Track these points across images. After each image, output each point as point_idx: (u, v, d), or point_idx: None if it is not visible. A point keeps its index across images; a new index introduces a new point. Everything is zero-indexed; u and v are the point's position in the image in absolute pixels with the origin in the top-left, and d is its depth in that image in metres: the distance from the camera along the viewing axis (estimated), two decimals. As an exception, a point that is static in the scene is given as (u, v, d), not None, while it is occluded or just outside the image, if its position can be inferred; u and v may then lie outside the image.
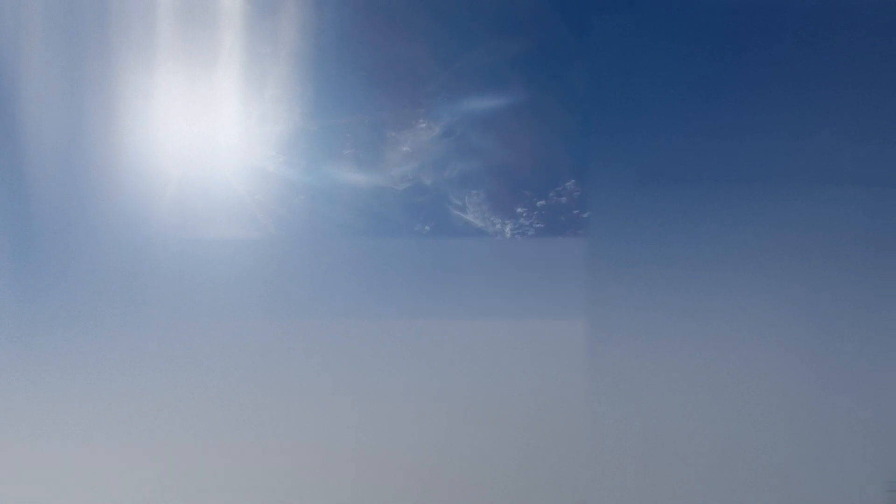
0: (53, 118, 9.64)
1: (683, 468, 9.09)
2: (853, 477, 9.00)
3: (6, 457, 8.81)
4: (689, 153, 9.90)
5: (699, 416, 9.20)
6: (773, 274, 9.51)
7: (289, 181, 10.14)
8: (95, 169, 9.58)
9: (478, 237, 10.55)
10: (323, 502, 8.82)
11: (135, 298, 9.38)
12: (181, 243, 9.57)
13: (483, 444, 9.18)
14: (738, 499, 9.00)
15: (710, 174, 9.89)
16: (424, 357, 9.57)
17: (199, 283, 9.48)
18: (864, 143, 9.50)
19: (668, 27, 9.84)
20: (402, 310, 9.81)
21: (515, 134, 10.40)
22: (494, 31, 10.11)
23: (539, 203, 10.74)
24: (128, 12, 9.66)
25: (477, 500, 8.91)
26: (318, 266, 9.91)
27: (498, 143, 10.38)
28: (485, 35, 10.12)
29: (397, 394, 9.32)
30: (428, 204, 10.36)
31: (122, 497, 8.69)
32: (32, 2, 9.54)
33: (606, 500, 8.93)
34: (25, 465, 8.83)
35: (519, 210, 10.76)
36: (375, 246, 10.11)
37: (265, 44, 9.91)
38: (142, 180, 9.70)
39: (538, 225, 10.78)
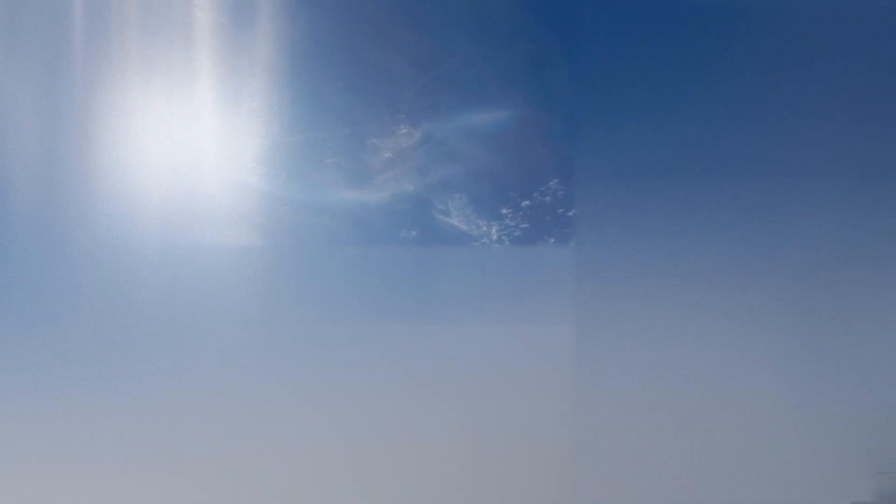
0: (41, 136, 9.66)
1: (674, 465, 9.09)
2: (846, 460, 9.03)
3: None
4: (672, 149, 9.94)
5: (691, 415, 9.20)
6: (764, 263, 9.56)
7: (272, 193, 10.16)
8: (84, 184, 9.61)
9: (463, 241, 10.55)
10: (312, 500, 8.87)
11: (120, 308, 9.40)
12: (166, 255, 9.58)
13: (469, 446, 9.17)
14: (736, 487, 9.01)
15: (693, 169, 9.93)
16: (411, 362, 9.57)
17: (184, 294, 9.49)
18: (854, 136, 9.58)
19: (649, 27, 9.89)
20: (388, 316, 9.81)
21: (497, 136, 10.42)
22: (472, 37, 10.15)
23: (524, 203, 10.75)
24: (112, 30, 9.69)
25: (462, 498, 8.92)
26: (304, 275, 9.91)
27: (479, 146, 10.40)
28: (463, 40, 10.15)
29: (383, 398, 9.32)
30: (412, 210, 10.38)
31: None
32: (12, 31, 9.57)
33: (594, 500, 8.93)
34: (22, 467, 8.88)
35: (504, 211, 10.76)
36: (361, 254, 10.12)
37: (244, 58, 9.93)
38: (125, 194, 9.72)
39: (524, 225, 10.78)
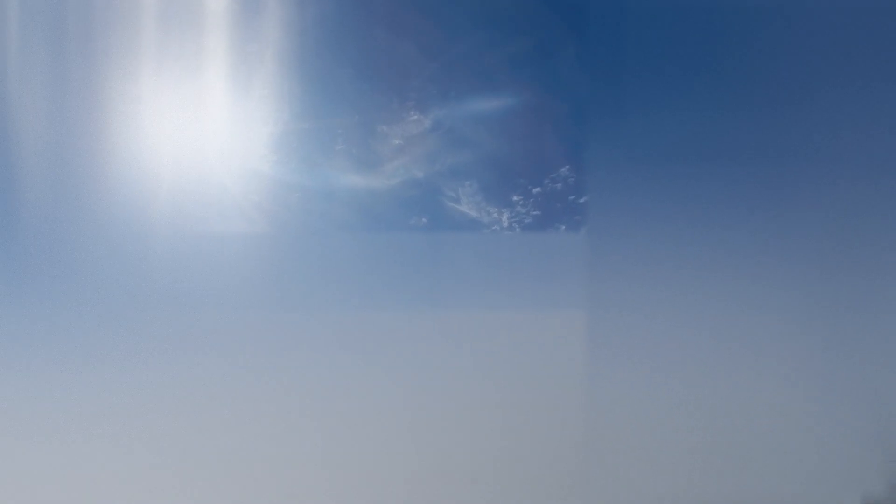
0: (51, 124, 9.73)
1: (686, 455, 9.03)
2: (855, 451, 8.93)
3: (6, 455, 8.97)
4: (684, 136, 9.83)
5: (704, 406, 9.12)
6: (775, 253, 9.44)
7: (282, 180, 10.18)
8: (94, 172, 9.67)
9: (474, 228, 10.51)
10: (320, 497, 8.88)
11: (133, 294, 9.48)
12: (176, 242, 9.64)
13: (480, 435, 9.17)
14: (745, 481, 8.95)
15: (706, 157, 9.81)
16: (422, 350, 9.57)
17: (196, 281, 9.55)
18: (864, 128, 9.43)
19: (661, 12, 9.76)
20: (399, 303, 9.81)
21: (507, 123, 10.35)
22: (482, 23, 10.07)
23: (535, 191, 10.68)
24: (121, 15, 9.73)
25: (471, 491, 8.92)
26: (315, 262, 9.93)
27: (489, 133, 10.33)
28: (472, 27, 10.08)
29: (394, 386, 9.33)
30: (422, 197, 10.36)
31: (121, 496, 8.82)
32: (26, 11, 9.63)
33: (602, 492, 8.90)
34: (24, 464, 8.98)
35: (515, 198, 10.70)
36: (372, 241, 10.11)
37: (254, 45, 9.94)
38: (138, 182, 9.78)
39: (535, 213, 10.72)
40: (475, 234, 10.42)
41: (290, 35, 9.87)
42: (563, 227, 10.55)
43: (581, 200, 10.45)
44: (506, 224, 10.63)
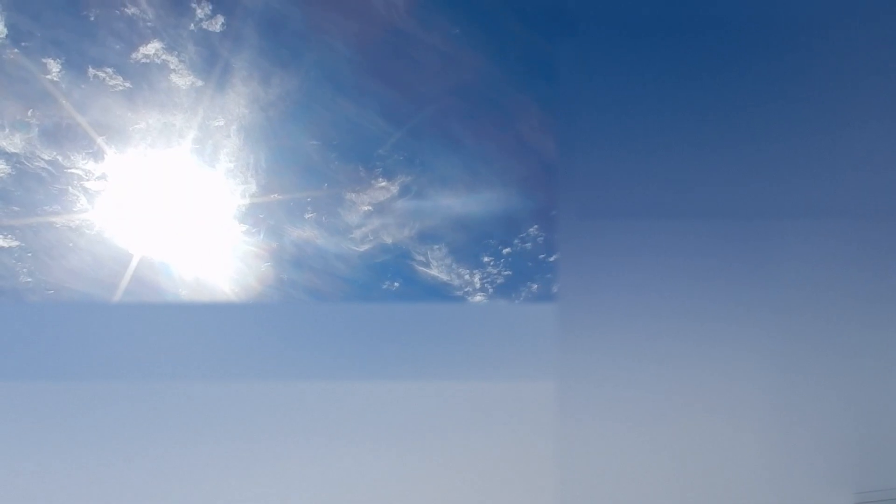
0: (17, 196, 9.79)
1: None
2: (822, 488, 8.81)
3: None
4: (653, 193, 9.88)
5: (677, 474, 9.01)
6: (749, 315, 9.41)
7: (251, 250, 10.22)
8: (58, 245, 9.71)
9: (445, 291, 10.55)
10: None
11: (99, 366, 9.41)
12: (145, 314, 9.63)
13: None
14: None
15: (675, 212, 9.85)
16: (398, 420, 9.48)
17: (165, 351, 9.50)
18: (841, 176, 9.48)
19: (626, 70, 9.88)
20: (372, 372, 9.75)
21: (475, 186, 10.43)
22: (445, 89, 10.20)
23: (505, 251, 10.73)
24: (89, 91, 9.84)
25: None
26: (285, 331, 9.90)
27: (457, 196, 10.40)
28: (435, 92, 10.21)
29: (364, 456, 9.23)
30: (393, 262, 10.40)
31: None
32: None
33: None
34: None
35: (486, 259, 10.74)
36: (342, 309, 10.12)
37: (220, 119, 10.04)
38: (103, 257, 9.82)
39: (506, 272, 10.76)
40: (447, 297, 10.45)
41: (256, 108, 9.99)
42: (535, 286, 10.60)
43: (552, 259, 10.51)
44: (478, 285, 10.66)
